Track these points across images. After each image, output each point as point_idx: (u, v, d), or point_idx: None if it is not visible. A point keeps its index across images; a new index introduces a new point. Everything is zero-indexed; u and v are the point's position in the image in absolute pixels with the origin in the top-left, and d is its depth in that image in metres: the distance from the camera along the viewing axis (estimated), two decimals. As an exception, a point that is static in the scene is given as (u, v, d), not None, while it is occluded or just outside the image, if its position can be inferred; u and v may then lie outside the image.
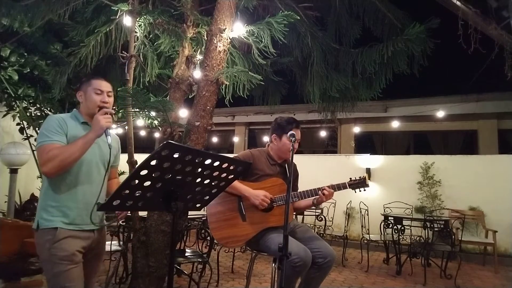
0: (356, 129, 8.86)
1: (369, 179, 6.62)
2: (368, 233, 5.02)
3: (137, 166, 1.23)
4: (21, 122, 4.74)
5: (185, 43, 3.45)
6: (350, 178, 2.45)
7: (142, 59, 3.70)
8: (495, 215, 5.67)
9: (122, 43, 3.51)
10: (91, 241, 1.74)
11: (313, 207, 3.81)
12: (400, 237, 4.53)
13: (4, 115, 4.72)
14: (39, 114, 4.78)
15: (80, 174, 1.70)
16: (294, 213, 2.73)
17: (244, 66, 3.69)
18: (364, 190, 2.45)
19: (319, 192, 2.34)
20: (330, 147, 9.65)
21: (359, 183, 2.42)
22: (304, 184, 2.63)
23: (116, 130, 1.79)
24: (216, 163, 1.37)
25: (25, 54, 4.31)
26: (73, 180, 1.68)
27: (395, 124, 7.59)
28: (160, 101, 2.91)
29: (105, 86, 1.82)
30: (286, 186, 2.36)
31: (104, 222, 1.87)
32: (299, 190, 2.47)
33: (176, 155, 1.21)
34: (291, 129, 2.36)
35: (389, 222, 4.68)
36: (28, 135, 4.73)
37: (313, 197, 2.40)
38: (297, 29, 3.94)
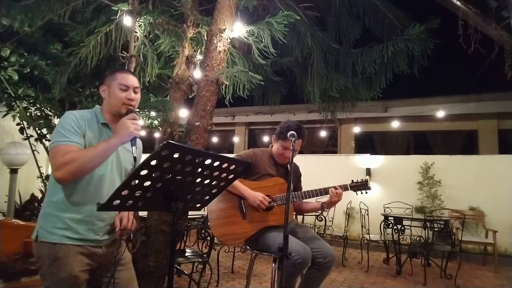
0: (356, 129, 8.87)
1: (369, 180, 6.65)
2: (368, 233, 5.03)
3: (137, 166, 1.23)
4: (21, 122, 4.73)
5: (185, 43, 3.45)
6: (352, 180, 2.45)
7: (142, 59, 3.70)
8: (495, 215, 5.67)
9: (122, 43, 3.51)
10: (99, 258, 1.56)
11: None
12: (400, 237, 4.53)
13: (4, 115, 4.71)
14: (39, 114, 4.77)
15: (93, 182, 1.52)
16: (294, 213, 2.73)
17: (244, 66, 3.69)
18: (366, 192, 2.44)
19: (330, 190, 2.33)
20: (330, 147, 9.65)
21: (360, 186, 2.42)
22: (304, 184, 2.64)
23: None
24: (216, 163, 1.37)
25: (25, 54, 4.30)
26: (84, 188, 1.50)
27: (395, 124, 7.60)
28: (160, 101, 2.92)
29: (132, 80, 1.64)
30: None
31: (114, 236, 1.63)
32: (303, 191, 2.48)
33: (176, 155, 1.21)
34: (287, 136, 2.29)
35: (389, 222, 4.68)
36: (28, 135, 4.72)
37: (320, 199, 2.40)
38: (297, 29, 3.94)
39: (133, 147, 1.51)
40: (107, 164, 1.55)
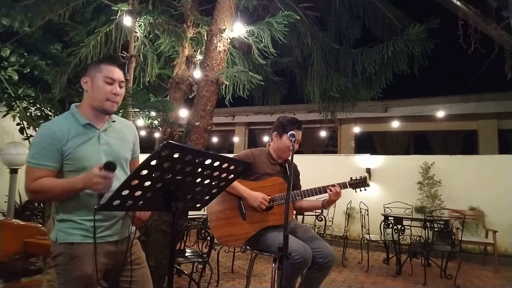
0: (356, 129, 8.87)
1: (369, 179, 6.63)
2: (368, 233, 5.02)
3: (137, 166, 1.23)
4: (21, 122, 4.74)
5: (185, 43, 3.45)
6: (351, 178, 2.46)
7: (142, 59, 3.70)
8: (495, 215, 5.67)
9: (122, 43, 3.51)
10: (115, 256, 1.55)
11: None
12: (400, 237, 4.53)
13: (4, 115, 4.72)
14: (39, 114, 4.78)
15: None
16: (294, 212, 2.73)
17: (244, 66, 3.69)
18: (365, 189, 2.45)
19: (328, 189, 2.34)
20: (330, 147, 9.65)
21: (359, 183, 2.43)
22: (304, 184, 2.63)
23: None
24: (216, 163, 1.37)
25: (25, 54, 4.31)
26: (87, 191, 1.47)
27: (395, 124, 7.60)
28: (160, 101, 2.92)
29: (118, 74, 1.54)
30: (286, 185, 2.36)
31: (131, 230, 1.64)
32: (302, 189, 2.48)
33: (176, 155, 1.21)
34: (292, 129, 2.35)
35: (389, 222, 4.68)
36: (28, 135, 4.73)
37: (320, 197, 2.40)
38: (297, 29, 3.94)
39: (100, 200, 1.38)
40: (100, 154, 1.51)
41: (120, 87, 1.56)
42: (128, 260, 1.60)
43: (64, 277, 1.48)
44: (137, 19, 3.25)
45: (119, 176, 1.56)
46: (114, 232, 1.56)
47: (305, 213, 5.25)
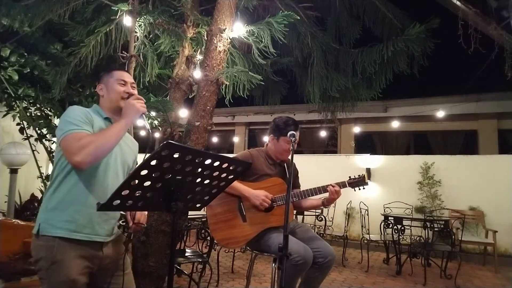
0: (356, 129, 8.86)
1: (369, 179, 6.63)
2: (368, 233, 5.03)
3: (137, 166, 1.23)
4: (21, 122, 4.73)
5: (185, 43, 3.45)
6: (350, 177, 2.46)
7: (142, 59, 3.70)
8: (495, 215, 5.67)
9: (122, 43, 3.51)
10: (99, 261, 1.53)
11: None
12: (400, 237, 4.53)
13: (4, 115, 4.71)
14: (39, 114, 4.77)
15: (96, 175, 1.51)
16: (295, 211, 2.73)
17: (244, 66, 3.69)
18: (364, 188, 2.45)
19: (328, 188, 2.34)
20: (330, 147, 9.65)
21: (358, 182, 2.43)
22: (304, 184, 2.64)
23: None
24: (216, 163, 1.37)
25: (25, 54, 4.30)
26: (86, 181, 1.49)
27: (395, 124, 7.59)
28: (160, 101, 2.92)
29: (128, 77, 1.71)
30: (286, 186, 2.36)
31: (118, 233, 1.66)
32: (301, 188, 2.48)
33: (176, 155, 1.21)
34: (289, 131, 2.33)
35: (389, 222, 4.68)
36: (28, 135, 4.72)
37: (320, 197, 2.41)
38: (297, 29, 3.94)
39: (144, 122, 1.59)
40: (111, 154, 1.55)
41: (133, 87, 1.70)
42: (120, 262, 1.59)
43: (47, 282, 1.43)
44: (137, 19, 3.25)
45: (121, 181, 1.57)
46: (100, 232, 1.52)
47: (305, 213, 5.26)
